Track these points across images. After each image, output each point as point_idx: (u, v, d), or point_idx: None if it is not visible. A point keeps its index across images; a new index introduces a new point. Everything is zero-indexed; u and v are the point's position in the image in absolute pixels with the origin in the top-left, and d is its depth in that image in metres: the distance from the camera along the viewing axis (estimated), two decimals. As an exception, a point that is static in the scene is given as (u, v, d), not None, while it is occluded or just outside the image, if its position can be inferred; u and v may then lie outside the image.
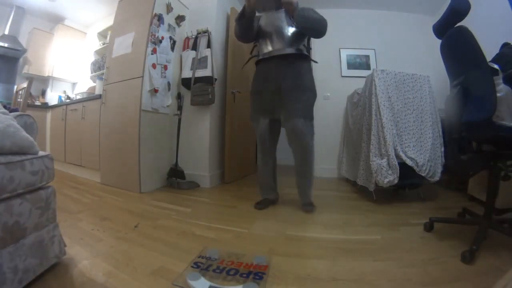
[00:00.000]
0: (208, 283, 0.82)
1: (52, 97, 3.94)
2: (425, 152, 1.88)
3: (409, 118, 1.94)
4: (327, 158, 3.19)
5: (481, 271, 0.92)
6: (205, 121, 2.47)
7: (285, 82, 1.64)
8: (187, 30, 2.59)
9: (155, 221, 1.46)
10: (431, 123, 1.94)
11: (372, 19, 3.27)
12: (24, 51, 3.50)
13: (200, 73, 2.37)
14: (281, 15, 1.74)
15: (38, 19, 3.78)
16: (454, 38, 1.18)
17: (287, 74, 1.65)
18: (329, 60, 3.22)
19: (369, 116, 1.99)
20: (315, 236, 1.30)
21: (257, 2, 1.58)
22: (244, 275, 0.88)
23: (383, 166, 1.79)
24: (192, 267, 0.93)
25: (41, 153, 0.87)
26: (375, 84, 1.93)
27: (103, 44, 3.54)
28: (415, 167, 1.82)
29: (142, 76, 2.13)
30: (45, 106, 3.68)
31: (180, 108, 2.46)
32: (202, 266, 0.93)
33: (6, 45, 3.29)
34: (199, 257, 1.00)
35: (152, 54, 2.21)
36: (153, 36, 2.21)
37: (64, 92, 4.07)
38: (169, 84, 2.43)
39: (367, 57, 3.22)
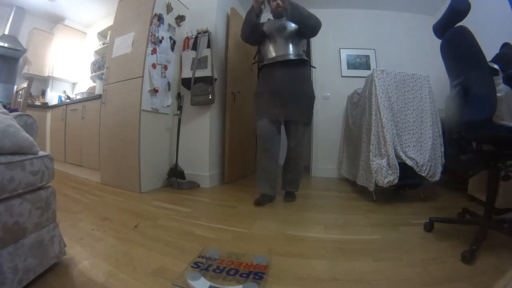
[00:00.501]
0: (208, 283, 0.82)
1: (52, 97, 3.94)
2: (425, 152, 1.88)
3: (409, 118, 1.94)
4: (327, 158, 3.19)
5: (481, 271, 0.92)
6: (205, 121, 2.47)
7: (287, 86, 1.79)
8: (187, 30, 2.59)
9: (155, 221, 1.45)
10: (431, 123, 1.94)
11: (372, 19, 3.27)
12: (24, 51, 3.50)
13: (200, 73, 2.37)
14: (283, 22, 1.85)
15: (38, 19, 3.78)
16: (454, 38, 1.18)
17: (289, 79, 1.80)
18: (329, 60, 3.22)
19: (369, 116, 1.99)
20: (315, 236, 1.30)
21: None
22: (244, 275, 0.88)
23: (383, 166, 1.79)
24: (192, 267, 0.93)
25: (41, 153, 0.86)
26: (375, 84, 1.93)
27: (103, 44, 3.54)
28: (415, 167, 1.82)
29: (142, 76, 2.14)
30: (45, 106, 3.69)
31: (180, 108, 2.46)
32: (202, 266, 0.93)
33: (6, 45, 3.29)
34: (199, 257, 1.00)
35: (152, 54, 2.21)
36: (153, 36, 2.21)
37: (64, 92, 4.07)
38: (169, 84, 2.44)
39: (367, 57, 3.22)
